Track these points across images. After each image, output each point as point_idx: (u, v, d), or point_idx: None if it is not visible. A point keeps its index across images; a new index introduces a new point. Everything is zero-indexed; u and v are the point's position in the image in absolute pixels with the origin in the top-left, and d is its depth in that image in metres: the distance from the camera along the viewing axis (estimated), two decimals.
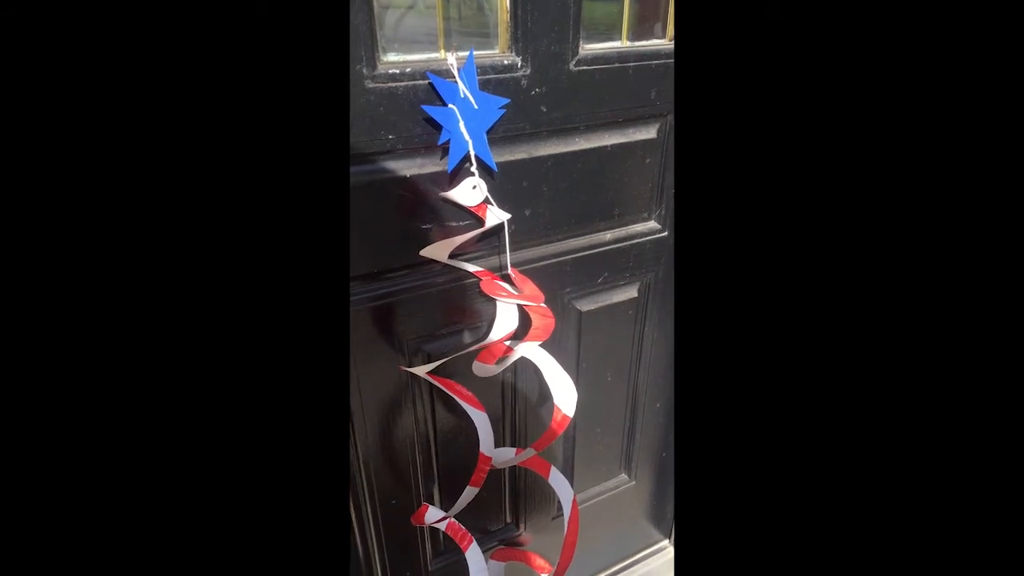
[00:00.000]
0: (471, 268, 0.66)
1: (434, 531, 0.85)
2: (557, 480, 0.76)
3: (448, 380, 0.69)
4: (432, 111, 0.56)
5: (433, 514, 0.76)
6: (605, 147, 0.70)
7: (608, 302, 0.82)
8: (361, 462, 0.73)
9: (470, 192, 0.60)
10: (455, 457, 0.79)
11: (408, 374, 0.70)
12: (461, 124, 0.58)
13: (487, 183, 0.62)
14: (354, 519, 0.77)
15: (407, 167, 0.60)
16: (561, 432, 0.69)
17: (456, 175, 0.61)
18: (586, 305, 0.81)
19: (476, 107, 0.58)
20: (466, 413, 0.71)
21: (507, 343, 0.69)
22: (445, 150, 0.60)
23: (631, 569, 1.12)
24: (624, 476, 1.01)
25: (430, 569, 0.87)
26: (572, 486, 0.79)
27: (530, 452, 0.69)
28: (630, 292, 0.84)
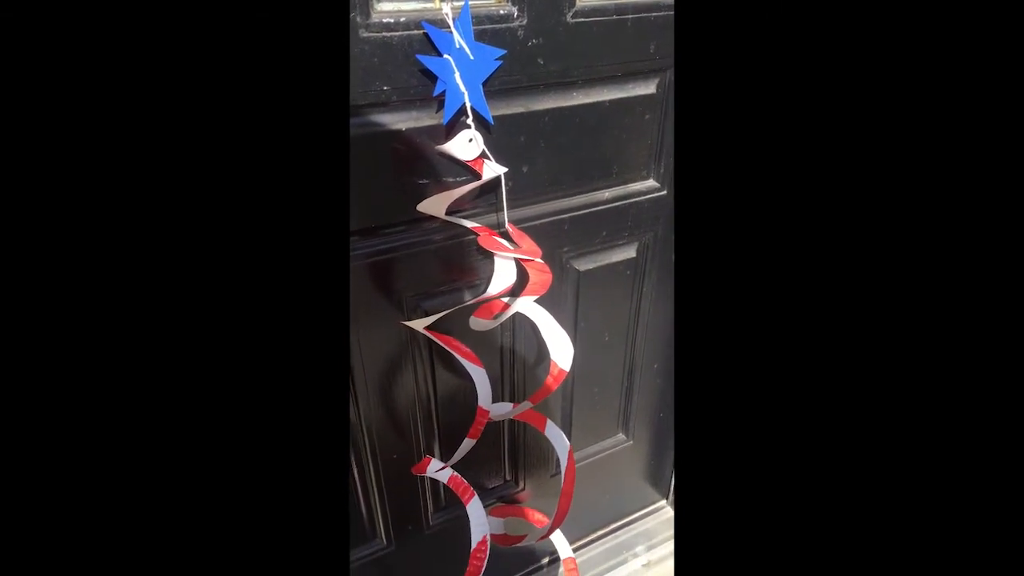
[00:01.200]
0: (469, 224, 0.67)
1: (435, 486, 0.87)
2: (553, 433, 0.78)
3: (446, 336, 0.70)
4: (427, 61, 0.56)
5: (435, 465, 0.77)
6: (603, 102, 0.70)
7: (606, 262, 0.82)
8: (362, 418, 0.74)
9: (466, 145, 0.60)
10: (455, 415, 0.80)
11: (408, 332, 0.71)
12: (457, 75, 0.57)
13: (484, 137, 0.62)
14: (356, 475, 0.79)
15: (402, 120, 0.59)
16: (557, 386, 0.70)
17: (452, 128, 0.61)
18: (584, 265, 0.81)
19: (472, 58, 0.58)
20: (466, 372, 0.72)
21: (504, 299, 0.69)
22: (441, 103, 0.59)
23: (628, 528, 1.14)
24: (622, 436, 1.03)
25: (431, 523, 0.89)
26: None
27: (526, 405, 0.71)
28: (629, 252, 0.84)
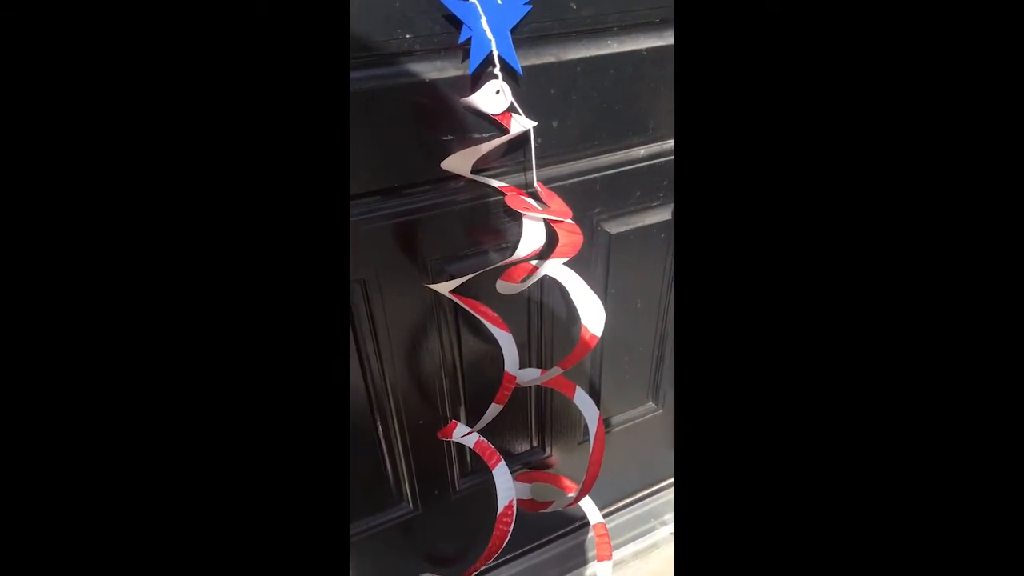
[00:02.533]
0: (496, 183, 0.64)
1: (462, 452, 0.87)
2: (582, 400, 0.76)
3: (472, 300, 0.68)
4: (452, 5, 0.52)
5: (461, 430, 0.77)
6: (640, 51, 0.65)
7: (640, 224, 0.79)
8: (388, 383, 0.73)
9: (493, 98, 0.57)
10: (482, 380, 0.79)
11: (433, 296, 0.69)
12: (484, 20, 0.53)
13: (512, 89, 0.58)
14: (382, 439, 0.79)
15: (426, 70, 0.56)
16: (588, 352, 0.67)
17: (478, 79, 0.57)
18: (616, 227, 0.77)
19: (499, 2, 0.54)
20: (492, 337, 0.70)
21: (533, 262, 0.67)
22: (466, 52, 0.56)
23: (656, 496, 1.13)
24: (651, 404, 1.00)
25: (458, 488, 0.89)
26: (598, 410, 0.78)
27: (556, 371, 0.69)
28: (663, 214, 0.80)
